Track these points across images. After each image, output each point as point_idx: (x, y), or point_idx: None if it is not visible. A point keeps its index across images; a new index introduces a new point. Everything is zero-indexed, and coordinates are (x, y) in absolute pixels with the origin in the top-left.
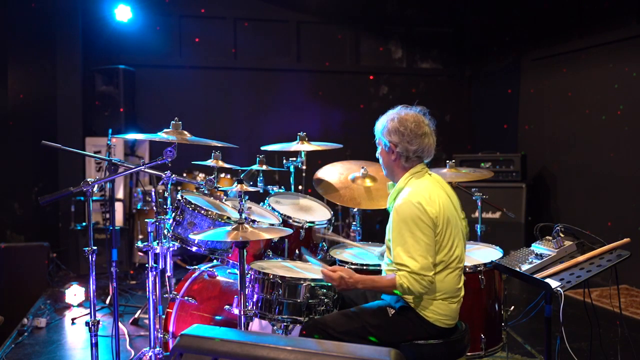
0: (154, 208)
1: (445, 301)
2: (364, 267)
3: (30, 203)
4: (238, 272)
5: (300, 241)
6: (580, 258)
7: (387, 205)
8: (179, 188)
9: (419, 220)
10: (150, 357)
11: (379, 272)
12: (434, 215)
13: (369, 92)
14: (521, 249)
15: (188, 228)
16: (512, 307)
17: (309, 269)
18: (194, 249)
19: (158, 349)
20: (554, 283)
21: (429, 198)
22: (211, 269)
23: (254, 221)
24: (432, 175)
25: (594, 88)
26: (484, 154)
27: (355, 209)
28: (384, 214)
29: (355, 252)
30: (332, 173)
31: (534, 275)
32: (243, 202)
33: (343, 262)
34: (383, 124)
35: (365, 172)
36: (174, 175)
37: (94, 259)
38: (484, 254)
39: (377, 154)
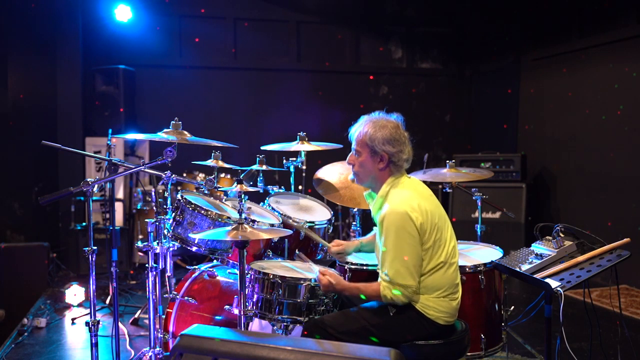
0: (154, 208)
1: (447, 298)
2: (364, 267)
3: (30, 203)
4: (238, 272)
5: (300, 241)
6: (580, 258)
7: (373, 214)
8: (179, 188)
9: (404, 231)
10: (150, 357)
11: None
12: (420, 222)
13: (369, 92)
14: (521, 249)
15: (188, 228)
16: (512, 307)
17: (309, 269)
18: (194, 249)
19: (158, 349)
20: (554, 283)
21: (416, 205)
22: (211, 269)
23: (253, 221)
24: (411, 178)
25: (594, 88)
26: (484, 154)
27: (355, 209)
28: None
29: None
30: (332, 173)
31: (534, 275)
32: (243, 202)
33: (343, 262)
34: (369, 132)
35: None
36: (174, 175)
37: (94, 259)
38: (484, 254)
39: (354, 161)
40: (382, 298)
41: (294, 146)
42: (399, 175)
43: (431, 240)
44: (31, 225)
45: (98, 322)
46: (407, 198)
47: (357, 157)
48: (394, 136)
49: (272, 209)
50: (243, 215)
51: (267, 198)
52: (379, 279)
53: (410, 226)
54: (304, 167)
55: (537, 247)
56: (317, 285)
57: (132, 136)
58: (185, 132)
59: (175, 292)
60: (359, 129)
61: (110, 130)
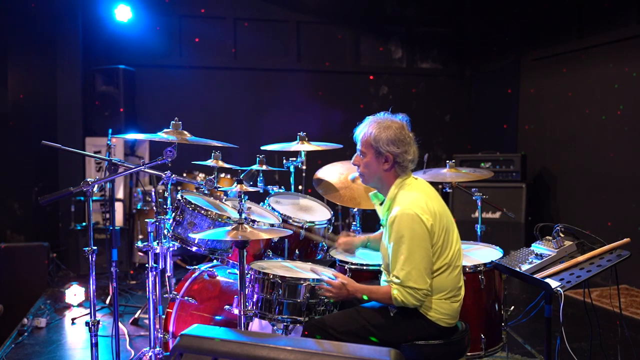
0: (154, 208)
1: (448, 300)
2: (364, 267)
3: (30, 203)
4: (238, 272)
5: (300, 241)
6: (580, 258)
7: (381, 216)
8: (179, 188)
9: (415, 233)
10: (150, 357)
11: (379, 272)
12: (430, 224)
13: (369, 92)
14: (521, 249)
15: (188, 228)
16: (512, 307)
17: (309, 269)
18: (194, 249)
19: (158, 349)
20: (554, 283)
21: (425, 206)
22: (211, 269)
23: (253, 221)
24: (418, 179)
25: (594, 88)
26: (484, 154)
27: (355, 209)
28: None
29: (356, 252)
30: (332, 173)
31: (534, 275)
32: (243, 202)
33: (343, 262)
34: (373, 133)
35: None
36: (174, 175)
37: (94, 259)
38: (484, 254)
39: (359, 162)
40: (393, 301)
41: (294, 146)
42: (405, 177)
43: (440, 241)
44: (31, 225)
45: (98, 322)
46: (417, 199)
47: (362, 158)
48: (398, 137)
49: (272, 209)
50: (243, 215)
51: (267, 198)
52: (381, 279)
53: (421, 228)
54: (304, 167)
55: (537, 247)
56: (318, 285)
57: (132, 136)
58: (185, 132)
59: (175, 292)
60: (363, 130)
61: (110, 130)
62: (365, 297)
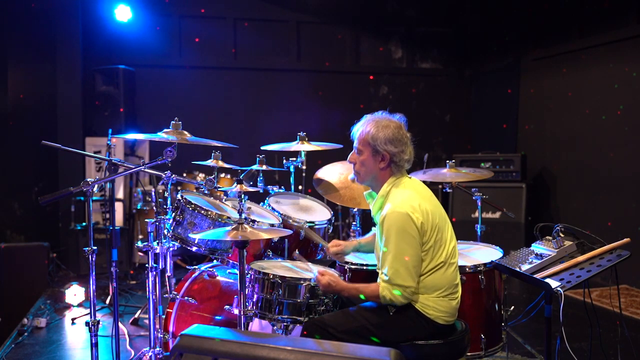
0: (154, 208)
1: (446, 297)
2: (364, 267)
3: (30, 203)
4: (238, 272)
5: (300, 241)
6: (580, 258)
7: (373, 214)
8: (179, 188)
9: (404, 232)
10: (150, 357)
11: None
12: (421, 222)
13: (369, 92)
14: (521, 249)
15: (188, 228)
16: (512, 307)
17: (309, 269)
18: (194, 249)
19: (158, 349)
20: (554, 283)
21: (417, 206)
22: (211, 269)
23: (253, 221)
24: (411, 178)
25: (594, 88)
26: (484, 154)
27: (355, 209)
28: None
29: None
30: (332, 173)
31: (534, 275)
32: (243, 202)
33: (343, 262)
34: (371, 131)
35: None
36: (174, 175)
37: (94, 259)
38: (484, 254)
39: (355, 159)
40: (380, 299)
41: (294, 146)
42: (399, 176)
43: (432, 240)
44: (31, 225)
45: (98, 322)
46: (408, 198)
47: (359, 155)
48: (396, 136)
49: (272, 209)
50: (243, 215)
51: (267, 198)
52: (379, 280)
53: (411, 227)
54: (304, 167)
55: (537, 247)
56: (317, 285)
57: (132, 136)
58: (185, 132)
59: (175, 292)
60: (361, 128)
61: (110, 130)
62: (362, 297)
